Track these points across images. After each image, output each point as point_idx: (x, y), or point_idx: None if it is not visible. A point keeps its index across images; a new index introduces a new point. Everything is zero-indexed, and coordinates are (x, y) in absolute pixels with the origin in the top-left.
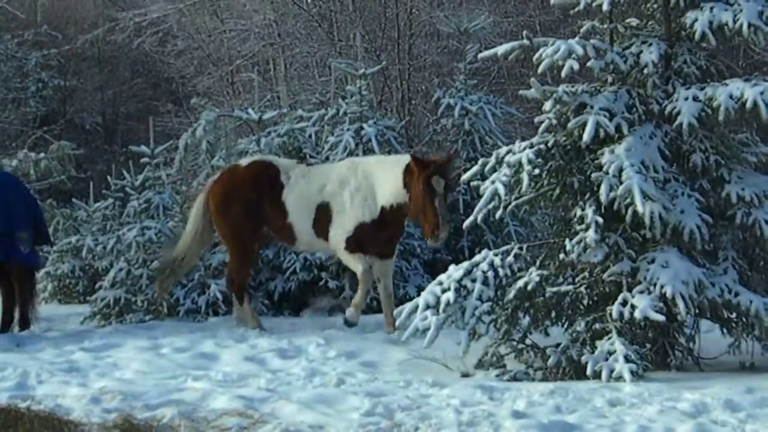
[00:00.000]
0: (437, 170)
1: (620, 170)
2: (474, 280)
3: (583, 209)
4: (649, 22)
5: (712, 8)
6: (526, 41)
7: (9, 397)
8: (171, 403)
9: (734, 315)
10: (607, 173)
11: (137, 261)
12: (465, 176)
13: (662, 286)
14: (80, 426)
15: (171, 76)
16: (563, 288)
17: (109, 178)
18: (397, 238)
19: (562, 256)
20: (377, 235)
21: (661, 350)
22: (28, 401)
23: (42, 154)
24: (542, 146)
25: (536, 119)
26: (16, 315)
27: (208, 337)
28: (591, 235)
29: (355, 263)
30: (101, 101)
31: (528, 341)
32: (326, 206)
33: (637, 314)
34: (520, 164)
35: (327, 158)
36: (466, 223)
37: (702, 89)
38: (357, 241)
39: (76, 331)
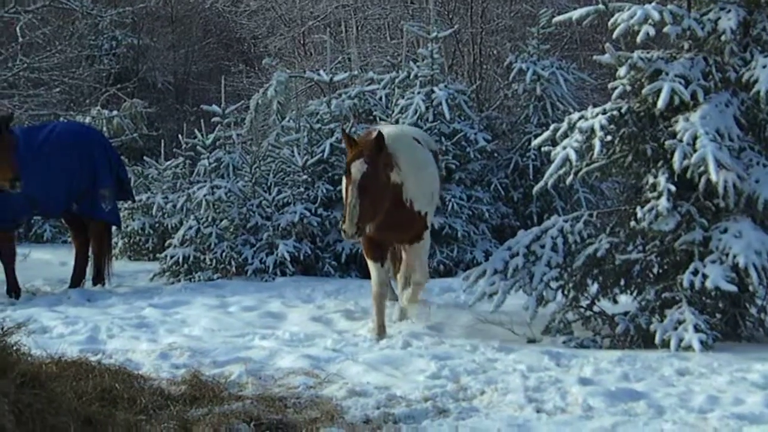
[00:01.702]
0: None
1: (694, 138)
2: (543, 246)
3: (655, 177)
4: None
5: None
6: (601, 6)
7: (80, 351)
8: (238, 361)
9: None
10: (681, 141)
11: (207, 219)
12: (536, 142)
13: (734, 256)
14: (149, 380)
15: (243, 36)
16: (633, 256)
17: (180, 136)
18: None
19: (632, 223)
20: None
21: (731, 321)
22: (98, 355)
23: (114, 112)
24: (615, 112)
25: (609, 85)
26: (89, 270)
27: (276, 296)
28: (663, 203)
29: None
30: (173, 60)
31: (596, 308)
32: None
33: (708, 284)
34: (593, 130)
35: (397, 121)
36: (536, 189)
37: None
38: None
39: (146, 287)
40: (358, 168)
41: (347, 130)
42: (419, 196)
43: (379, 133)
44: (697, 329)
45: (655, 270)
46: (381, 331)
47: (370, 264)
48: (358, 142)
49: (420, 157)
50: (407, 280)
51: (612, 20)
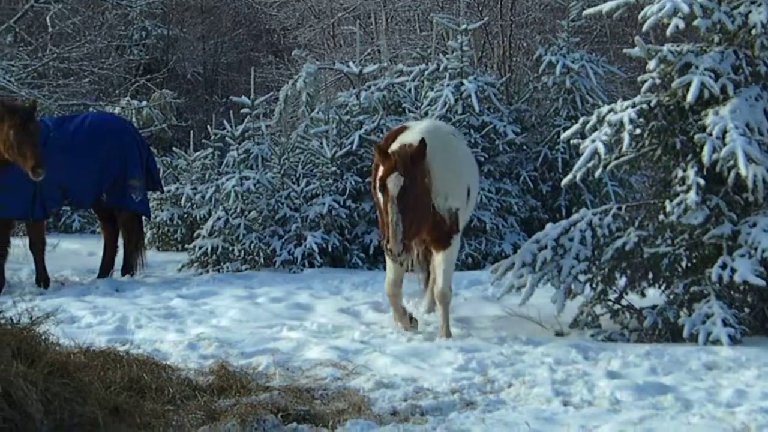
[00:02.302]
0: None
1: (724, 132)
2: (571, 239)
3: (684, 170)
4: None
5: None
6: None
7: (108, 341)
8: (266, 352)
9: None
10: (710, 135)
11: (235, 210)
12: (565, 134)
13: (764, 251)
14: (177, 371)
15: (272, 27)
16: (662, 249)
17: (209, 127)
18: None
19: (661, 217)
20: None
21: (759, 315)
22: (126, 345)
23: (144, 103)
24: (644, 106)
25: (639, 78)
26: (118, 261)
27: (304, 288)
28: (692, 196)
29: None
30: (203, 51)
31: (624, 302)
32: None
33: (736, 278)
34: (622, 123)
35: (426, 113)
36: (565, 182)
37: None
38: None
39: (174, 278)
40: (394, 183)
41: (377, 123)
42: (448, 194)
43: (421, 142)
44: (725, 323)
45: (683, 264)
46: (405, 322)
47: (388, 261)
48: (391, 154)
49: (452, 153)
50: (433, 297)
51: (642, 13)
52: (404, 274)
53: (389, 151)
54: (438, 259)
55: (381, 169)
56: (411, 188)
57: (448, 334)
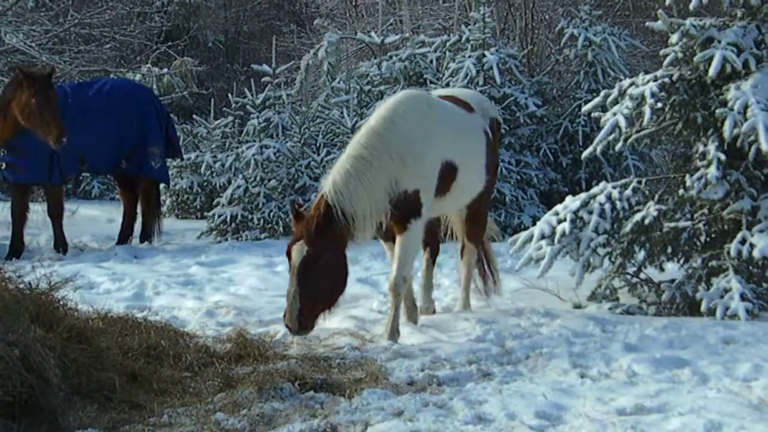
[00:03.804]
0: None
1: (746, 107)
2: (591, 212)
3: (705, 145)
4: None
5: None
6: None
7: (126, 307)
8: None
9: None
10: (731, 109)
11: (255, 179)
12: (586, 107)
13: None
14: (195, 338)
15: None
16: (681, 224)
17: (229, 95)
18: None
19: (681, 191)
20: None
21: None
22: (144, 311)
23: (165, 70)
24: (666, 80)
25: (661, 52)
26: (137, 228)
27: None
28: (712, 171)
29: None
30: (224, 19)
31: (642, 275)
32: None
33: (755, 253)
34: (643, 97)
35: (447, 84)
36: (585, 154)
37: None
38: None
39: (193, 245)
40: (298, 251)
41: None
42: (399, 178)
43: (327, 208)
44: (743, 298)
45: (702, 238)
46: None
47: (382, 243)
48: (301, 220)
49: (409, 130)
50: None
51: None
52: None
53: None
54: (396, 242)
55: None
56: (314, 260)
57: (392, 336)
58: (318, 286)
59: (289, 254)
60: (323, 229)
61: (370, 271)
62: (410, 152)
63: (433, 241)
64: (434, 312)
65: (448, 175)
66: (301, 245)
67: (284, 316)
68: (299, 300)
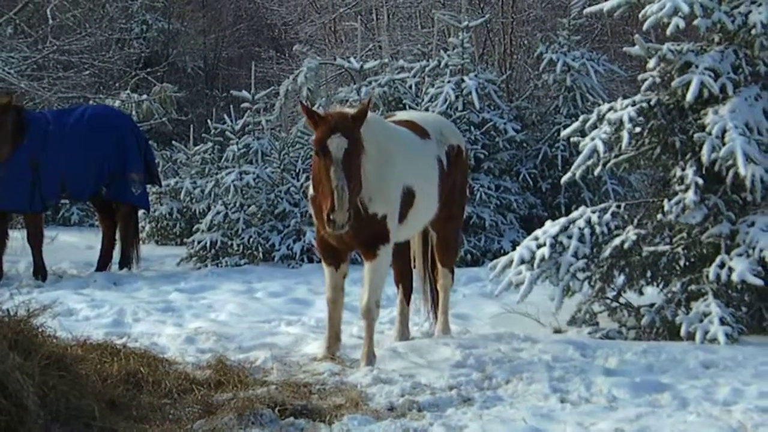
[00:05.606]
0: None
1: (723, 131)
2: (570, 237)
3: (683, 169)
4: None
5: None
6: None
7: (105, 334)
8: (264, 347)
9: None
10: (709, 134)
11: (234, 205)
12: (565, 132)
13: (761, 250)
14: (175, 364)
15: (273, 22)
16: (660, 248)
17: (209, 121)
18: None
19: (659, 216)
20: None
21: (756, 314)
22: (124, 338)
23: (144, 96)
24: (644, 104)
25: (639, 77)
26: (116, 254)
27: (302, 283)
28: (690, 196)
29: None
30: (203, 45)
31: (622, 300)
32: None
33: (734, 277)
34: (621, 122)
35: (427, 109)
36: (564, 179)
37: None
38: None
39: (173, 272)
40: (337, 144)
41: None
42: (378, 195)
43: (361, 105)
44: (722, 322)
45: (681, 262)
46: (332, 344)
47: (324, 266)
48: (326, 116)
49: (382, 150)
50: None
51: (642, 12)
52: (344, 279)
53: (323, 113)
54: (365, 268)
55: (318, 130)
56: (355, 153)
57: (370, 361)
58: (356, 183)
59: (325, 148)
60: (358, 124)
61: (350, 296)
62: (375, 174)
63: (405, 279)
64: (409, 337)
65: (407, 201)
66: (339, 138)
67: (330, 211)
68: (347, 192)
